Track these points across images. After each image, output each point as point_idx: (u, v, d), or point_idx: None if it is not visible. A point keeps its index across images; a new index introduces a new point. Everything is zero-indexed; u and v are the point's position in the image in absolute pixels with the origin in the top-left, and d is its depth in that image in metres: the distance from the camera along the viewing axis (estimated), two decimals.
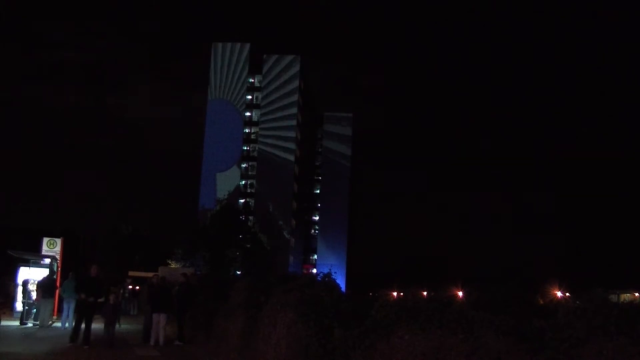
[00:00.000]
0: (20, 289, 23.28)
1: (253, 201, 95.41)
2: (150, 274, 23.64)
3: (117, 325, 17.29)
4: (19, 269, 23.84)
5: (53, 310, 21.84)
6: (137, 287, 33.59)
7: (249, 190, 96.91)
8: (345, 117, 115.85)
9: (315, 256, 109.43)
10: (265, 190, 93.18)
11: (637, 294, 36.41)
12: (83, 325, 15.39)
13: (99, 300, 15.75)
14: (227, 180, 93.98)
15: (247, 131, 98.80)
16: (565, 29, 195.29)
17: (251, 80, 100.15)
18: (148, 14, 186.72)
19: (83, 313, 15.59)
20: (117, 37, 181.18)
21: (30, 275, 22.57)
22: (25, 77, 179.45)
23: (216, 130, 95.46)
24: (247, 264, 72.10)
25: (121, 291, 29.02)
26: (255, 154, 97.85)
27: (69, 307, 19.73)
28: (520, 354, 5.92)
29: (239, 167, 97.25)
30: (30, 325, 20.64)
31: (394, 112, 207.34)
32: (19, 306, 22.86)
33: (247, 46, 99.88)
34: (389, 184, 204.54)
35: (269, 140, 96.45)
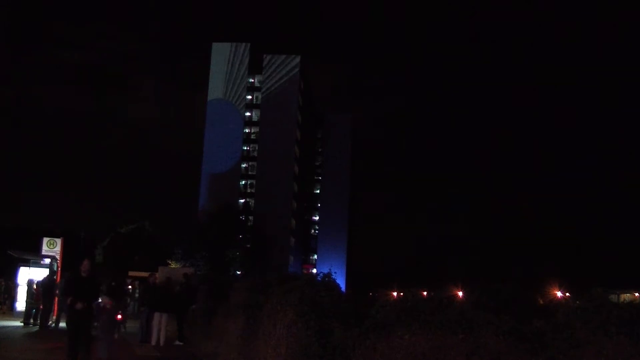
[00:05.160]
0: (19, 289, 23.32)
1: (253, 201, 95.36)
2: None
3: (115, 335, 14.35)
4: (19, 269, 23.85)
5: (53, 311, 21.83)
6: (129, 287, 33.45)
7: (249, 190, 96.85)
8: (345, 117, 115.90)
9: (315, 256, 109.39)
10: (265, 190, 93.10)
11: (637, 294, 36.41)
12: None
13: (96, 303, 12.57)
14: (227, 180, 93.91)
15: (247, 131, 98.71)
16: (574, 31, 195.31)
17: (251, 80, 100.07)
18: (148, 14, 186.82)
19: (76, 325, 11.73)
20: (117, 37, 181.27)
21: (32, 275, 22.59)
22: (25, 77, 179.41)
23: (216, 130, 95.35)
24: (247, 264, 72.15)
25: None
26: (255, 154, 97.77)
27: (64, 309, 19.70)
28: (520, 354, 5.92)
29: (239, 167, 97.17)
30: (30, 325, 20.68)
31: (394, 111, 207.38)
32: (19, 306, 22.89)
33: (247, 46, 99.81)
34: (389, 183, 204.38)
35: (269, 140, 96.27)
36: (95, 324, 12.84)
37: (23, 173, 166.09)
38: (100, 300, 12.78)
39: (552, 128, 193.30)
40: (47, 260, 23.27)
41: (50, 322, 20.73)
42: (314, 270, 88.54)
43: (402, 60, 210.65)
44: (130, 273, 39.34)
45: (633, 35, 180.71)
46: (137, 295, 29.62)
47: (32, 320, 20.90)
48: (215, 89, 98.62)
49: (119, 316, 18.26)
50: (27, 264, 23.57)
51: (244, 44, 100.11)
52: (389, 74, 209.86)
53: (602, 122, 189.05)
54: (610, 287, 30.66)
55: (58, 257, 24.04)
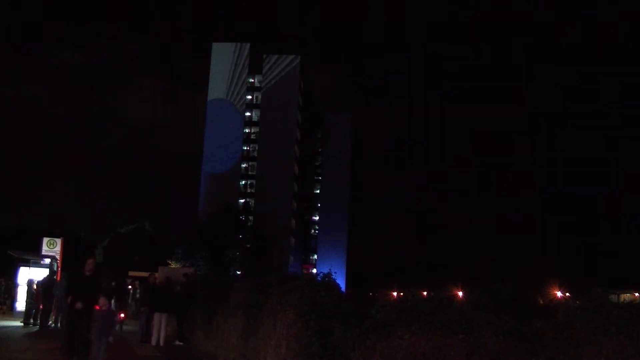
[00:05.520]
0: (20, 289, 23.31)
1: (253, 201, 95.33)
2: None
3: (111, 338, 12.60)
4: (19, 269, 23.85)
5: (53, 311, 21.80)
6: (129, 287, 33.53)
7: (249, 190, 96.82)
8: (345, 116, 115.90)
9: (315, 256, 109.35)
10: (265, 190, 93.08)
11: (637, 294, 36.42)
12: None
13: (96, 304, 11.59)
14: (227, 180, 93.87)
15: (247, 131, 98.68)
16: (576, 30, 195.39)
17: (251, 80, 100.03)
18: (148, 14, 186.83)
19: (74, 325, 11.71)
20: (117, 37, 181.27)
21: (32, 275, 22.58)
22: (25, 77, 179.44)
23: (216, 130, 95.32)
24: (247, 264, 72.15)
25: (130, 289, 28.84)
26: (255, 154, 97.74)
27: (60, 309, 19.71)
28: (520, 354, 5.93)
29: (239, 167, 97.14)
30: (30, 325, 20.67)
31: (394, 111, 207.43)
32: (19, 306, 22.87)
33: (247, 46, 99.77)
34: (389, 183, 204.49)
35: (269, 140, 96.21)
36: (94, 324, 12.69)
37: (23, 173, 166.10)
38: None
39: (552, 128, 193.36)
40: (47, 260, 23.28)
41: (50, 322, 20.72)
42: (314, 270, 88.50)
43: (402, 60, 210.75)
44: (130, 273, 39.36)
45: (633, 35, 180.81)
46: (137, 295, 29.53)
47: (32, 320, 20.88)
48: (216, 89, 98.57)
49: (122, 315, 18.12)
50: (27, 264, 23.56)
51: (244, 44, 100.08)
52: (389, 74, 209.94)
53: (602, 121, 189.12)
54: (610, 287, 30.67)
55: (58, 257, 24.06)
